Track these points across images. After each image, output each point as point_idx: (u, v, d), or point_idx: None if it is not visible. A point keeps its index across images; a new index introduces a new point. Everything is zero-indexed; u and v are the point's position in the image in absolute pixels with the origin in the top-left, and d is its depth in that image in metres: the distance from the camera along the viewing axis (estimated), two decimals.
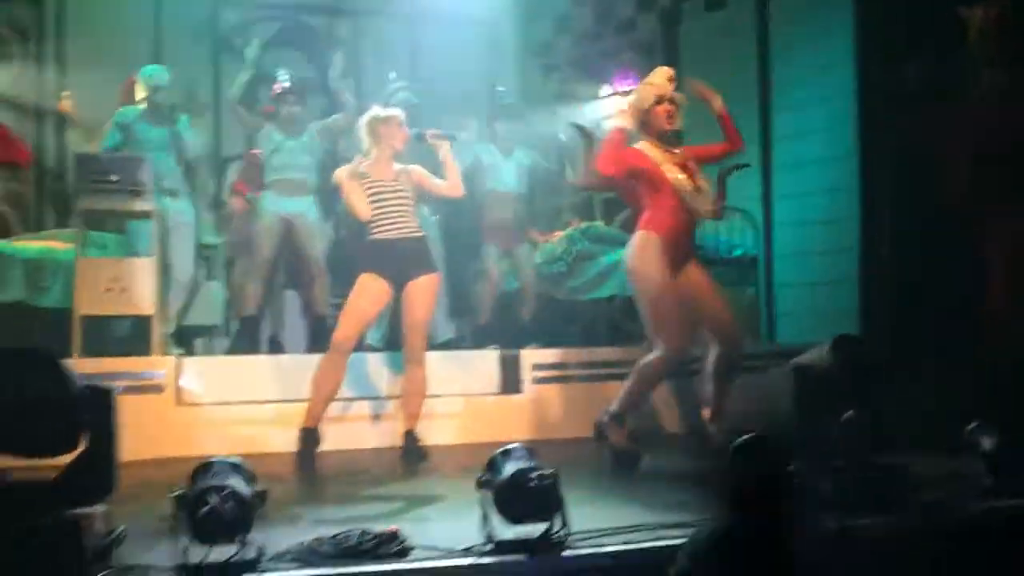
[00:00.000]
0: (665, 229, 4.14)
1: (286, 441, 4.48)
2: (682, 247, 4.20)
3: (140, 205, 5.17)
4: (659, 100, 4.22)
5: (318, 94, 7.39)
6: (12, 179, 6.64)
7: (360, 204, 4.46)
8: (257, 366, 5.43)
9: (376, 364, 5.39)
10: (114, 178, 5.06)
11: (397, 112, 4.67)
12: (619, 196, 5.51)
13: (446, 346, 5.99)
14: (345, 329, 4.45)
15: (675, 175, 4.17)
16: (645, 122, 4.26)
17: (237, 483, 2.31)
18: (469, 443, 4.96)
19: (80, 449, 2.38)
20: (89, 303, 5.03)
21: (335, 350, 4.43)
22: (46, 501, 2.30)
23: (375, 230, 4.52)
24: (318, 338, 5.85)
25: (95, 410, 2.35)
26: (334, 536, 2.49)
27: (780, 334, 6.47)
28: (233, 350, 5.94)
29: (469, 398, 5.39)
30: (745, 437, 2.68)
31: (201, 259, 6.27)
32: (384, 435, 5.10)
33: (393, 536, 2.46)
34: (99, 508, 2.45)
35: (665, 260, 4.11)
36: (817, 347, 3.09)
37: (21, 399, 2.17)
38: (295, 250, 5.89)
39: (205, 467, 2.37)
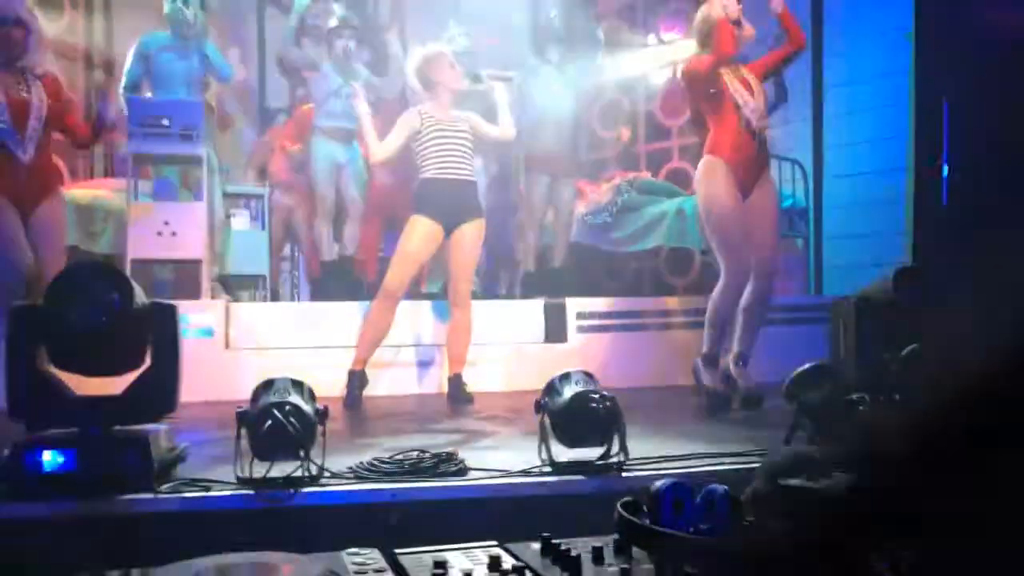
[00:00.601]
0: (729, 151, 4.09)
1: (334, 386, 4.52)
2: (751, 167, 4.13)
3: (191, 149, 5.18)
4: (726, 20, 4.12)
5: (363, 46, 7.37)
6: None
7: (391, 140, 4.44)
8: (305, 312, 5.50)
9: (423, 311, 5.40)
10: (166, 122, 5.08)
11: (444, 49, 4.60)
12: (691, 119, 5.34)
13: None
14: (397, 274, 4.43)
15: (740, 95, 4.11)
16: (708, 41, 4.18)
17: (298, 400, 2.33)
18: (514, 391, 4.97)
19: (145, 365, 2.42)
20: (140, 247, 5.10)
21: (386, 296, 4.42)
22: (113, 416, 2.35)
23: (430, 169, 4.45)
24: (326, 285, 5.99)
25: (160, 327, 2.38)
26: (392, 456, 2.50)
27: (827, 287, 6.37)
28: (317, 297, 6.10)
29: (515, 346, 5.40)
30: (807, 365, 2.67)
31: (241, 208, 6.31)
32: (430, 382, 5.15)
33: (451, 456, 2.47)
34: (162, 425, 2.50)
35: (732, 182, 4.07)
36: (880, 279, 3.03)
37: (92, 312, 2.18)
38: (338, 192, 5.94)
39: (267, 384, 2.38)
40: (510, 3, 7.32)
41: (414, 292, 5.94)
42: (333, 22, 5.93)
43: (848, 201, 6.33)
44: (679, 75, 4.29)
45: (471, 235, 4.51)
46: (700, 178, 4.20)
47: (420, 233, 4.42)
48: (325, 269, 6.08)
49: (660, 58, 7.73)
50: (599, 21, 7.69)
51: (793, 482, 1.49)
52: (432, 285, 6.07)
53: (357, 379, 4.45)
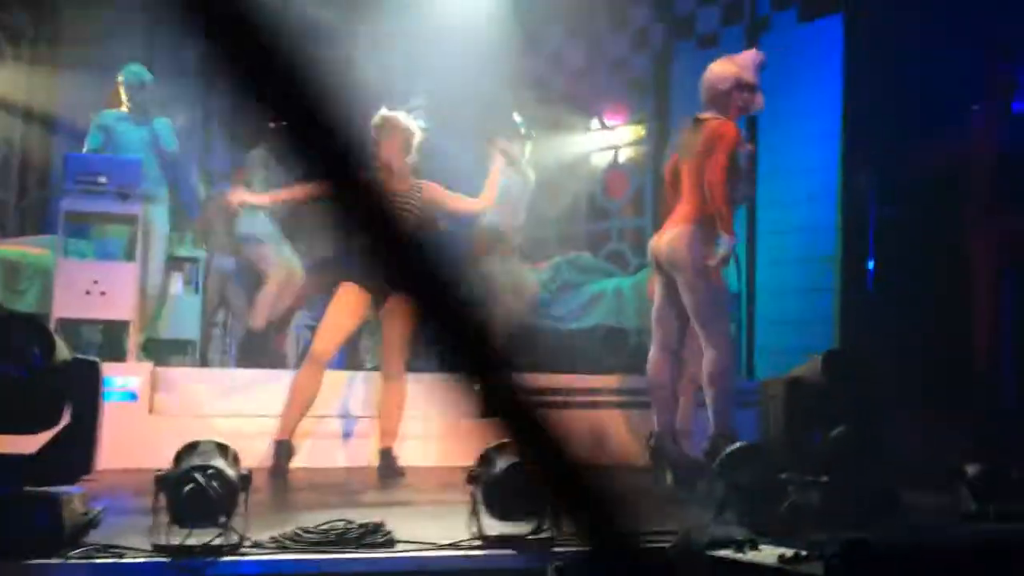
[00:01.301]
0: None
1: (259, 455, 4.39)
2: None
3: (126, 209, 5.09)
4: (741, 86, 4.12)
5: None
6: None
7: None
8: (230, 378, 5.36)
9: (354, 381, 5.32)
10: (102, 180, 5.00)
11: (393, 115, 4.51)
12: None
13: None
14: (324, 342, 4.37)
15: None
16: (716, 101, 4.15)
17: (222, 463, 2.25)
18: (448, 466, 4.89)
19: (63, 424, 2.32)
20: (67, 306, 4.93)
21: (313, 362, 4.35)
22: (25, 475, 2.24)
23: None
24: (249, 350, 5.93)
25: (80, 383, 2.30)
26: (318, 526, 2.43)
27: (759, 371, 6.47)
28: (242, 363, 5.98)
29: (447, 421, 5.33)
30: (737, 445, 2.69)
31: (175, 271, 6.20)
32: (356, 454, 5.03)
33: (379, 527, 2.41)
34: (77, 488, 2.39)
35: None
36: (810, 361, 3.09)
37: (11, 365, 2.10)
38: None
39: (190, 447, 2.31)
40: (464, 88, 7.50)
41: (355, 364, 5.90)
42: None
43: (778, 287, 6.49)
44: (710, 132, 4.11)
45: (405, 307, 4.38)
46: (698, 249, 4.05)
47: (347, 303, 4.37)
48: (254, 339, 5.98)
49: (602, 142, 7.94)
50: (544, 105, 7.90)
51: (722, 553, 1.50)
52: (374, 359, 5.99)
53: (284, 449, 4.32)
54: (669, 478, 4.07)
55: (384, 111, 4.52)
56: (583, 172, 7.96)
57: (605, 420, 5.46)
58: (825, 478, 2.81)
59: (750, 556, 1.55)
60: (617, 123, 7.83)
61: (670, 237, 4.15)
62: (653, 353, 4.39)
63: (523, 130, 6.41)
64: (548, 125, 7.90)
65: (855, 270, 5.82)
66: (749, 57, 4.26)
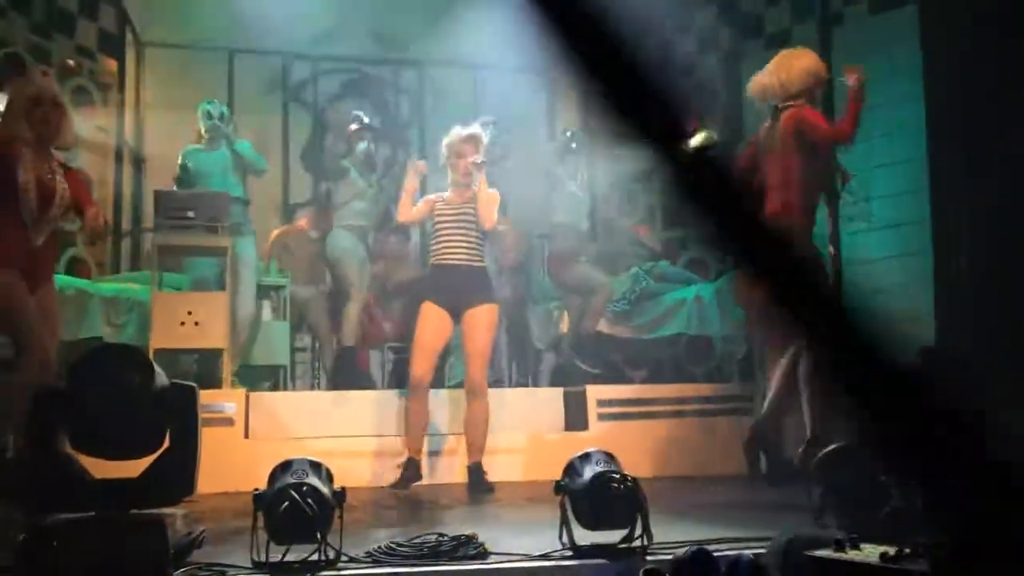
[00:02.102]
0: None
1: (354, 475, 4.49)
2: None
3: (215, 241, 5.27)
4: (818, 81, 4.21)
5: (382, 143, 7.60)
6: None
7: (417, 208, 4.63)
8: (320, 401, 5.48)
9: (438, 400, 5.38)
10: (191, 214, 5.19)
11: (462, 132, 4.65)
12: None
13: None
14: (419, 366, 4.50)
15: None
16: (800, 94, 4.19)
17: (316, 481, 2.31)
18: (534, 480, 4.90)
19: (164, 448, 2.41)
20: (164, 337, 5.12)
21: (415, 390, 4.52)
22: (130, 499, 2.33)
23: (435, 255, 4.58)
24: (345, 369, 6.06)
25: (180, 407, 2.38)
26: (411, 539, 2.46)
27: None
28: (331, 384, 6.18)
29: (534, 435, 5.34)
30: (834, 446, 2.62)
31: (263, 299, 6.38)
32: (446, 471, 5.08)
33: (471, 539, 2.42)
34: (179, 509, 2.48)
35: None
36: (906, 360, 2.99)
37: (114, 393, 2.19)
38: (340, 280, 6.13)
39: (285, 466, 2.37)
40: (528, 107, 7.57)
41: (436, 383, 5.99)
42: (355, 125, 6.14)
43: (869, 286, 6.30)
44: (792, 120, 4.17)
45: (480, 320, 4.50)
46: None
47: (429, 321, 4.50)
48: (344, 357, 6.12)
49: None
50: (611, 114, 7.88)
51: (821, 553, 1.46)
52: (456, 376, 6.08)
53: (412, 465, 4.52)
54: (763, 465, 3.98)
55: (457, 129, 4.66)
56: (656, 180, 7.89)
57: (691, 429, 5.39)
58: (925, 480, 2.70)
59: (851, 555, 1.50)
60: (690, 127, 7.73)
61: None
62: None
63: (574, 143, 6.45)
64: (617, 134, 7.87)
65: (949, 265, 5.60)
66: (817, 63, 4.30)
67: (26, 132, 3.78)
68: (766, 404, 4.15)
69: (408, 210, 4.65)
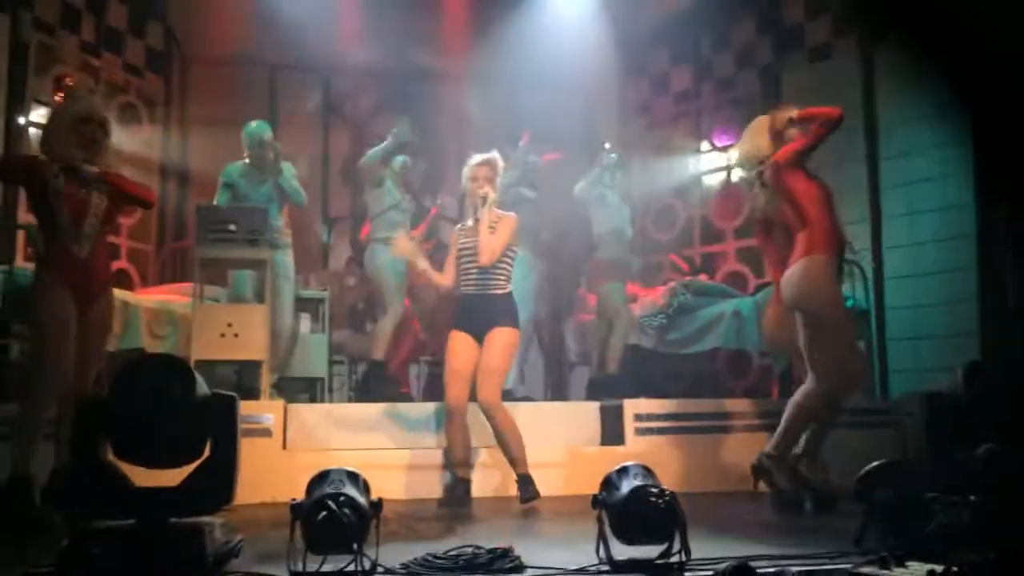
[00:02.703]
0: (830, 249, 4.11)
1: (390, 487, 4.50)
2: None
3: (256, 254, 5.33)
4: (787, 125, 4.28)
5: (420, 158, 7.67)
6: (134, 238, 7.06)
7: (448, 266, 4.63)
8: (358, 413, 5.50)
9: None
10: (232, 228, 5.26)
11: (477, 158, 4.60)
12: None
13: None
14: (452, 392, 4.52)
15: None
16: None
17: (353, 491, 2.31)
18: (571, 494, 4.87)
19: (203, 457, 2.43)
20: (204, 348, 5.18)
21: (451, 414, 4.53)
22: (170, 507, 2.36)
23: (461, 285, 4.59)
24: (374, 384, 6.11)
25: (220, 417, 2.41)
26: (447, 551, 2.45)
27: (893, 390, 6.18)
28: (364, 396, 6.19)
29: (571, 448, 5.31)
30: (876, 464, 2.57)
31: (302, 311, 6.43)
32: (479, 485, 5.05)
33: (507, 552, 2.41)
34: (217, 518, 2.50)
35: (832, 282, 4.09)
36: (949, 376, 2.93)
37: (157, 402, 2.23)
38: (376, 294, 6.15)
39: (322, 476, 2.38)
40: (567, 121, 7.59)
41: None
42: (392, 137, 6.17)
43: (911, 303, 6.20)
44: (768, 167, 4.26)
45: (496, 339, 4.48)
46: (813, 279, 4.06)
47: (456, 349, 4.53)
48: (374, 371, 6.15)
49: (713, 163, 7.84)
50: (653, 129, 7.90)
51: (865, 571, 1.43)
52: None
53: (460, 487, 4.53)
54: (808, 504, 3.98)
55: (476, 156, 4.61)
56: (695, 195, 7.87)
57: (729, 445, 5.33)
58: (973, 497, 2.64)
59: (897, 573, 1.47)
60: (728, 143, 7.71)
61: (793, 274, 4.15)
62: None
63: (614, 158, 6.44)
64: (656, 149, 7.89)
65: (994, 281, 5.49)
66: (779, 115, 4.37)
67: (73, 151, 3.82)
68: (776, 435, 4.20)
69: (440, 277, 4.68)
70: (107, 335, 4.12)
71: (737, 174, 4.54)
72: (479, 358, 4.52)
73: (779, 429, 4.18)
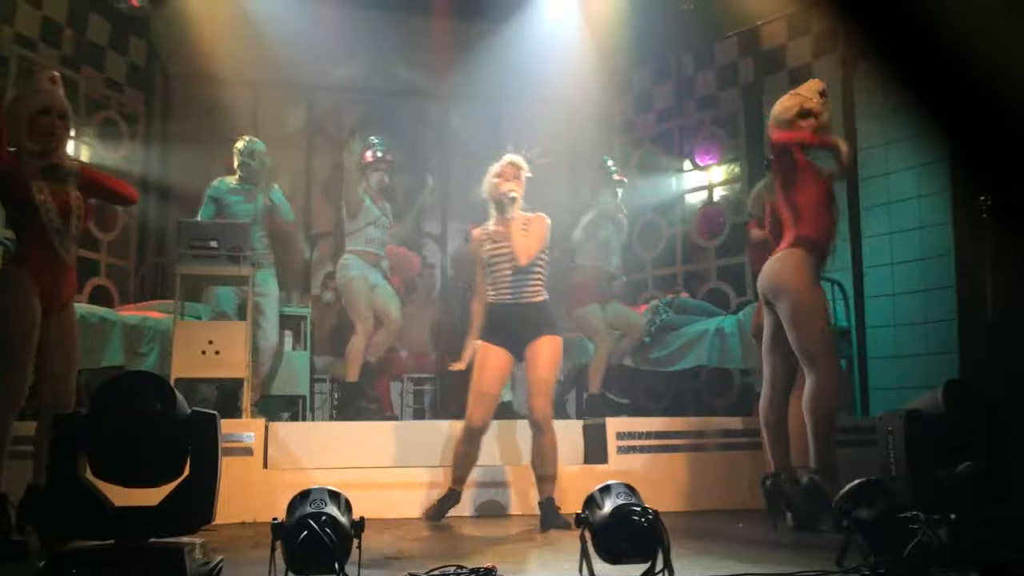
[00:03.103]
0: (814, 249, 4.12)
1: (373, 506, 4.46)
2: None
3: (237, 271, 5.30)
4: (804, 113, 4.21)
5: (404, 174, 7.68)
6: (114, 254, 7.01)
7: (479, 280, 4.43)
8: (339, 432, 5.47)
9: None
10: (213, 244, 5.23)
11: (508, 159, 4.40)
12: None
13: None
14: (479, 411, 4.30)
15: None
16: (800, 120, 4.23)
17: (335, 511, 2.30)
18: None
19: (183, 476, 2.41)
20: (185, 366, 5.13)
21: (470, 434, 4.33)
22: (150, 527, 2.33)
23: (491, 292, 4.36)
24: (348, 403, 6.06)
25: (200, 435, 2.39)
26: (430, 571, 2.43)
27: (873, 408, 6.21)
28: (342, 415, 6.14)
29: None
30: (856, 482, 2.58)
31: (284, 329, 6.40)
32: (464, 504, 5.03)
33: (489, 572, 2.40)
34: (197, 538, 2.47)
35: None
36: (928, 393, 2.95)
37: (135, 419, 2.20)
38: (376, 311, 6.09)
39: (303, 495, 2.36)
40: (551, 138, 7.61)
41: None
42: (370, 156, 6.16)
43: (891, 322, 6.25)
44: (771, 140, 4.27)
45: (544, 350, 4.26)
46: (795, 274, 4.01)
47: (489, 363, 4.29)
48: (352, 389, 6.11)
49: (695, 181, 7.89)
50: (636, 146, 7.94)
51: None
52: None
53: (454, 497, 4.47)
54: (789, 519, 3.95)
55: (507, 156, 4.44)
56: (677, 213, 7.92)
57: (712, 463, 5.33)
58: (953, 515, 2.66)
59: None
60: (710, 162, 7.78)
61: (768, 264, 4.14)
62: (764, 391, 4.29)
63: (615, 174, 6.43)
64: (640, 167, 7.94)
65: (972, 299, 5.55)
66: (810, 85, 4.37)
67: (29, 144, 3.63)
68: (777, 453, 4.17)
69: (478, 303, 4.46)
70: (73, 349, 3.86)
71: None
72: (526, 371, 4.28)
73: (811, 447, 3.98)
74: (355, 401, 6.03)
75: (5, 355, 3.49)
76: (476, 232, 4.50)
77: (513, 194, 4.30)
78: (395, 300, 6.18)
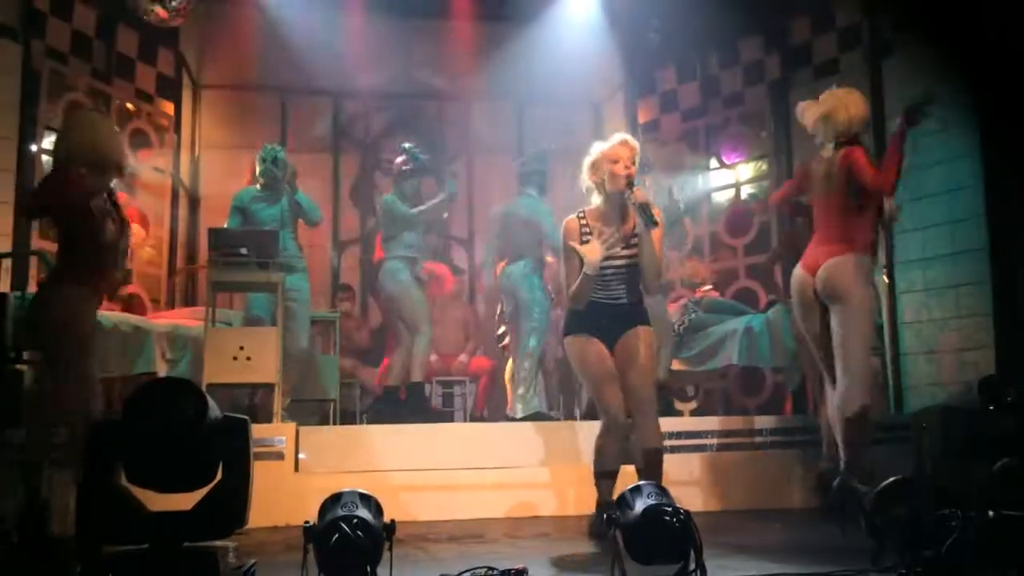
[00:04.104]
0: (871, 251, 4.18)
1: (404, 509, 4.49)
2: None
3: (267, 277, 5.35)
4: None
5: (429, 176, 7.71)
6: (145, 262, 7.11)
7: (574, 274, 3.75)
8: (373, 435, 5.49)
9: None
10: (243, 251, 5.28)
11: (621, 138, 3.80)
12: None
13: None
14: (612, 400, 3.77)
15: None
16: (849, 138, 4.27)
17: (366, 514, 2.31)
18: (584, 513, 4.83)
19: (216, 481, 2.43)
20: (216, 372, 5.18)
21: (614, 428, 3.85)
22: (184, 530, 2.35)
23: (598, 293, 3.83)
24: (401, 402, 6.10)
25: (232, 440, 2.41)
26: (460, 573, 2.44)
27: (908, 405, 6.13)
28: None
29: (585, 468, 5.27)
30: (892, 479, 2.55)
31: (315, 334, 6.44)
32: (492, 505, 5.03)
33: (521, 573, 2.40)
34: (230, 542, 2.49)
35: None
36: (963, 389, 2.91)
37: (169, 426, 2.23)
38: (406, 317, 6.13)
39: (335, 498, 2.38)
40: (572, 139, 7.60)
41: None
42: (401, 160, 6.19)
43: (925, 317, 6.16)
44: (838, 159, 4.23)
45: (640, 337, 3.80)
46: (860, 280, 4.06)
47: (591, 352, 3.81)
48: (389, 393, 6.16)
49: (722, 180, 7.84)
50: (662, 146, 7.91)
51: None
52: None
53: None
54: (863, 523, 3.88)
55: (597, 144, 3.87)
56: (705, 212, 7.87)
57: (742, 462, 5.29)
58: (991, 512, 2.61)
59: None
60: (736, 160, 7.72)
61: (832, 266, 4.09)
62: (827, 389, 4.26)
63: (647, 167, 6.40)
64: (666, 166, 7.89)
65: (1008, 294, 5.46)
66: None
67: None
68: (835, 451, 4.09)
69: (576, 286, 3.78)
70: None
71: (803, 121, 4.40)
72: (618, 363, 3.78)
73: (842, 448, 3.93)
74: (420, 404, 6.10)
75: (69, 367, 3.62)
76: (575, 220, 3.85)
77: (632, 180, 3.68)
78: (425, 307, 6.23)
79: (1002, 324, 5.56)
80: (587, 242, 3.72)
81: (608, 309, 3.81)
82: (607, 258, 3.71)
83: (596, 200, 3.83)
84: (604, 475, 3.94)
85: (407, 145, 6.28)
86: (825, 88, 6.17)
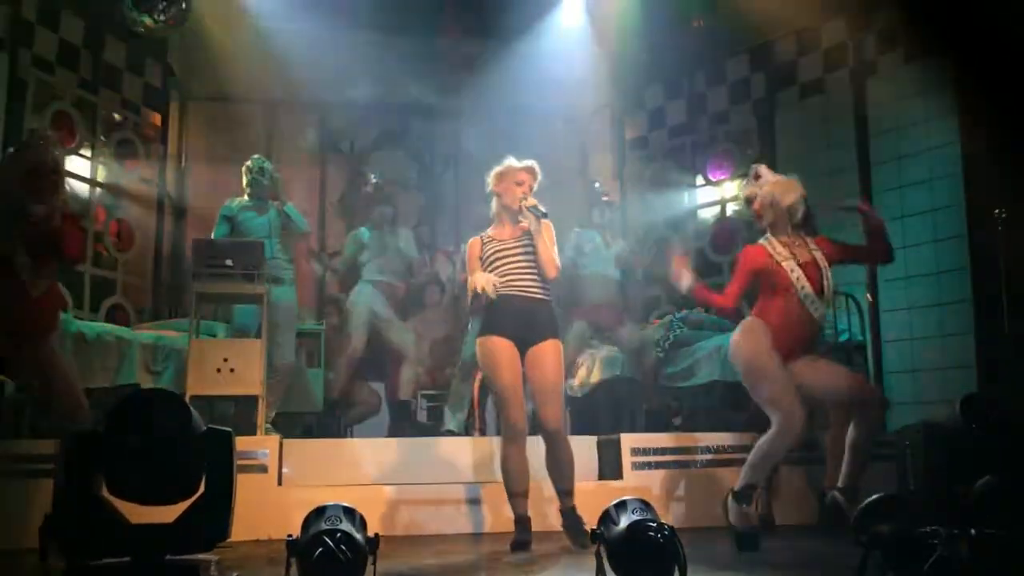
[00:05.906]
0: (777, 325, 4.20)
1: (388, 522, 4.46)
2: (796, 343, 4.21)
3: (252, 288, 5.33)
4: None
5: (421, 191, 7.73)
6: (130, 273, 7.07)
7: (480, 281, 4.07)
8: (357, 448, 5.47)
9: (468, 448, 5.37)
10: (228, 262, 5.26)
11: (513, 163, 4.21)
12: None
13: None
14: (513, 409, 4.04)
15: (797, 275, 4.21)
16: (776, 219, 4.34)
17: (349, 527, 2.30)
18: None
19: (198, 493, 2.42)
20: (200, 383, 5.15)
21: (516, 437, 4.08)
22: (166, 543, 2.34)
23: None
24: (400, 421, 6.03)
25: (216, 453, 2.40)
26: None
27: (891, 423, 6.16)
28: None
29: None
30: (874, 497, 2.56)
31: (300, 347, 6.42)
32: (482, 520, 5.02)
33: None
34: (213, 555, 2.48)
35: (771, 343, 4.16)
36: (946, 406, 2.93)
37: (151, 437, 2.22)
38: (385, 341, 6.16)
39: (318, 511, 2.36)
40: (564, 154, 7.65)
41: (445, 430, 6.01)
42: (371, 188, 6.26)
43: (907, 335, 6.21)
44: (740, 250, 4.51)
45: (550, 354, 4.08)
46: (740, 334, 4.33)
47: (501, 358, 4.04)
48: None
49: (708, 197, 7.89)
50: (650, 162, 7.95)
51: None
52: (453, 423, 6.10)
53: (525, 521, 4.15)
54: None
55: (511, 160, 4.25)
56: (690, 228, 7.91)
57: (728, 478, 5.29)
58: (973, 530, 2.63)
59: None
60: (722, 177, 7.78)
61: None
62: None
63: (604, 196, 6.53)
64: (653, 183, 7.95)
65: (989, 311, 5.51)
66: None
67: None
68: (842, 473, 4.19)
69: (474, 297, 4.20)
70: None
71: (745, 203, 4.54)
72: (531, 377, 4.06)
73: (744, 468, 4.26)
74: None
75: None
76: (479, 239, 4.30)
77: (531, 202, 4.09)
78: (409, 334, 6.26)
79: (984, 342, 5.61)
80: (489, 257, 4.19)
81: (519, 302, 4.11)
82: (511, 254, 4.16)
83: (494, 205, 4.30)
84: (513, 495, 4.18)
85: (370, 172, 6.36)
86: (811, 107, 6.28)
